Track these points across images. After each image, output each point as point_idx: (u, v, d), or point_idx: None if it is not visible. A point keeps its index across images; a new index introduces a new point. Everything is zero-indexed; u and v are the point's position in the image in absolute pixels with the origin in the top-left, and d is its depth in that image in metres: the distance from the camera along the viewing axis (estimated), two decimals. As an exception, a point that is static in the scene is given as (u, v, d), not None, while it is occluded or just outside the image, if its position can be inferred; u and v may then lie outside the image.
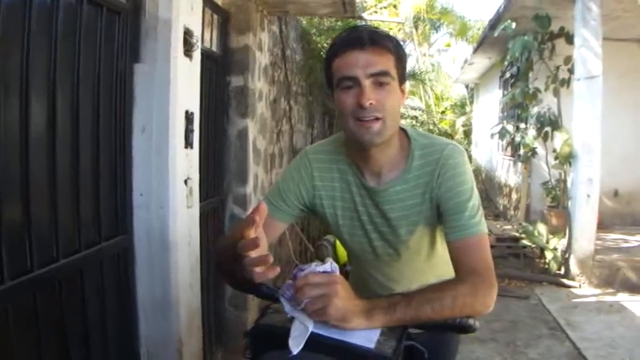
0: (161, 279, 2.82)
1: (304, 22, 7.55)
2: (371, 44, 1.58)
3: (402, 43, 1.75)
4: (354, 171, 1.79)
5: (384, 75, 1.58)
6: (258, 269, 1.26)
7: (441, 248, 1.81)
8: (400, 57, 1.66)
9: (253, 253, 1.26)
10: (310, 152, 1.89)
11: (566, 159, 7.17)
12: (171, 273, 2.83)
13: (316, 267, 1.35)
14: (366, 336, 1.32)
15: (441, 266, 1.88)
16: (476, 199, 1.69)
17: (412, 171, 1.74)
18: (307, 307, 1.30)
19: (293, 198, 1.83)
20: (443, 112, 21.60)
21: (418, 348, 1.46)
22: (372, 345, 1.30)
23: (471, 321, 1.47)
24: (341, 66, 1.61)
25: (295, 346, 1.27)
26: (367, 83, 1.56)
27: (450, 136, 19.18)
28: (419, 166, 1.73)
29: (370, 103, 1.55)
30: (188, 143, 2.95)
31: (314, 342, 1.28)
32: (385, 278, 1.93)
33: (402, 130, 1.79)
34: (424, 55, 23.19)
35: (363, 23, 8.28)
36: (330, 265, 1.36)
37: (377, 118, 1.58)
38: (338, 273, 1.37)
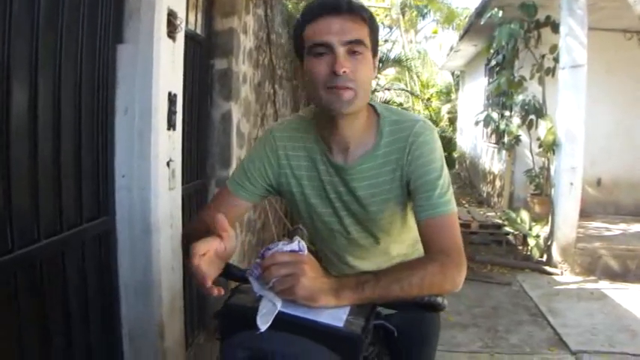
0: (143, 261, 2.82)
1: (290, 7, 7.51)
2: (348, 11, 1.53)
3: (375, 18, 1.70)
4: (321, 148, 1.75)
5: (358, 44, 1.53)
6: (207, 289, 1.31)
7: (412, 226, 1.78)
8: (374, 29, 1.61)
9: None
10: (276, 130, 1.84)
11: (550, 147, 7.22)
12: (152, 255, 2.82)
13: (284, 246, 1.34)
14: (334, 315, 1.32)
15: (410, 244, 1.90)
16: (446, 177, 1.67)
17: (381, 148, 1.70)
18: (275, 287, 1.30)
19: (258, 177, 1.79)
20: (428, 99, 21.63)
21: (388, 327, 1.47)
22: (340, 324, 1.30)
23: (439, 299, 1.49)
24: (315, 31, 1.54)
25: (263, 323, 1.27)
26: (341, 51, 1.51)
27: (435, 123, 19.23)
28: (388, 142, 1.70)
29: (344, 71, 1.50)
30: (171, 125, 2.93)
31: (282, 321, 1.28)
32: (354, 258, 1.90)
33: (371, 105, 1.75)
34: (410, 41, 23.19)
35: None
36: (297, 244, 1.35)
37: (349, 88, 1.53)
38: (306, 252, 1.36)
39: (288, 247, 1.34)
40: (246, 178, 1.80)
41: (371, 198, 1.74)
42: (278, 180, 1.81)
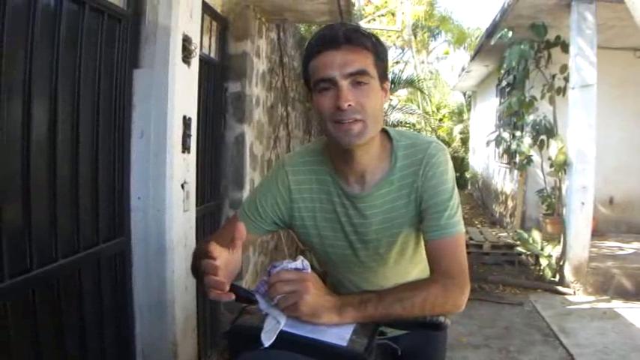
0: (157, 281, 2.87)
1: (303, 29, 7.59)
2: (346, 43, 1.53)
3: (382, 41, 1.73)
4: (335, 180, 1.74)
5: (362, 74, 1.53)
6: (215, 292, 1.31)
7: (423, 248, 1.76)
8: (379, 54, 1.60)
9: (213, 277, 1.30)
10: (288, 164, 1.82)
11: (561, 167, 7.21)
12: (167, 275, 2.87)
13: (288, 264, 1.39)
14: (338, 334, 1.35)
15: (422, 265, 1.87)
16: (456, 198, 1.68)
17: (396, 172, 1.70)
18: (279, 303, 1.34)
19: (270, 211, 1.79)
20: (441, 120, 21.65)
21: (392, 346, 1.50)
22: (344, 343, 1.33)
23: (441, 319, 1.50)
24: (317, 67, 1.55)
25: (267, 339, 1.31)
26: (345, 84, 1.51)
27: (448, 143, 19.24)
28: (403, 166, 1.70)
29: (349, 105, 1.50)
30: (185, 148, 3.00)
31: (288, 340, 1.32)
32: (369, 284, 1.84)
33: (384, 130, 1.74)
34: (422, 62, 23.26)
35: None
36: (301, 262, 1.40)
37: (357, 120, 1.53)
38: (309, 270, 1.40)
39: (292, 265, 1.39)
40: (257, 213, 1.80)
41: (386, 223, 1.74)
42: (290, 214, 1.81)
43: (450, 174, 1.71)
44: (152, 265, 2.86)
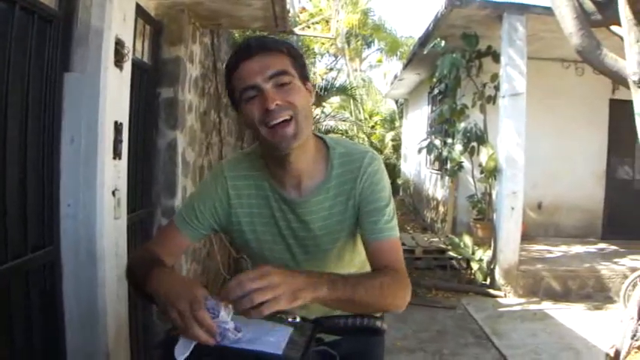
0: (88, 290, 2.80)
1: (237, 35, 7.55)
2: (259, 49, 1.59)
3: (295, 46, 1.76)
4: (272, 186, 1.76)
5: (283, 74, 1.58)
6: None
7: (361, 250, 1.80)
8: (296, 57, 1.66)
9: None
10: (227, 169, 1.83)
11: (492, 173, 7.38)
12: (98, 284, 2.80)
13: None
14: (274, 343, 1.33)
15: (360, 267, 1.91)
16: (392, 204, 1.75)
17: (333, 179, 1.74)
18: (254, 297, 1.23)
19: (208, 215, 1.79)
20: (373, 127, 21.82)
21: (330, 352, 1.50)
22: (279, 351, 1.31)
23: (378, 323, 1.58)
24: (239, 79, 1.60)
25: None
26: (268, 87, 1.55)
27: (380, 150, 19.41)
28: (339, 174, 1.74)
29: (277, 104, 1.54)
30: (117, 154, 2.93)
31: (222, 354, 1.29)
32: None
33: (320, 138, 1.79)
34: (355, 70, 23.44)
35: (294, 37, 8.31)
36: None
37: (288, 119, 1.56)
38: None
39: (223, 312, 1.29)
40: (194, 217, 1.79)
41: (325, 229, 1.77)
42: (228, 219, 1.81)
43: (386, 181, 1.77)
44: (82, 273, 2.78)
